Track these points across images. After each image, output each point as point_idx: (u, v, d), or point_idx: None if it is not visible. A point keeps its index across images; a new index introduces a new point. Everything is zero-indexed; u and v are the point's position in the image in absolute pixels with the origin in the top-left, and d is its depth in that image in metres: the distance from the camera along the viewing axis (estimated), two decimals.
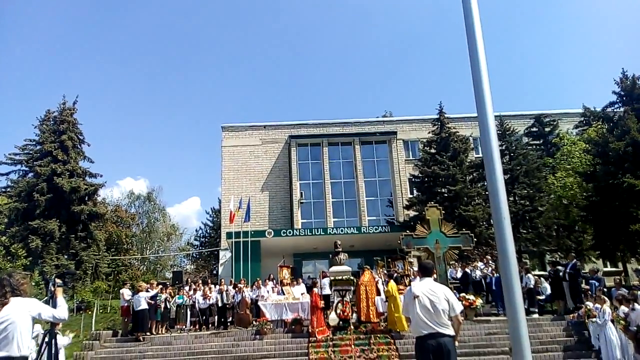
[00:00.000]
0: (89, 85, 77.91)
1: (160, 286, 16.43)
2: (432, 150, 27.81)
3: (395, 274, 17.91)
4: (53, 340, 4.48)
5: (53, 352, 4.43)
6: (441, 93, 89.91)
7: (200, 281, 18.87)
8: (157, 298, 15.40)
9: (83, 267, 26.42)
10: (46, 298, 4.42)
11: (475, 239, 21.50)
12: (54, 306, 4.19)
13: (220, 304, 16.35)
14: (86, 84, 77.33)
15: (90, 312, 19.20)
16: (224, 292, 16.42)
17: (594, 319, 11.70)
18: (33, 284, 18.85)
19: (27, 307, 3.90)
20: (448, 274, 16.24)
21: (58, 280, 4.46)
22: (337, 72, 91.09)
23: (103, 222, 32.20)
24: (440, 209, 16.08)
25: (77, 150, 29.58)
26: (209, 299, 16.27)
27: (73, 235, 26.82)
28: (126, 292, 15.40)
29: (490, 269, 17.85)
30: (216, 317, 16.46)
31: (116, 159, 78.00)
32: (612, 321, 11.14)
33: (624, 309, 10.95)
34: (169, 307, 16.06)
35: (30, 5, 77.46)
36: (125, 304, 15.21)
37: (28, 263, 22.86)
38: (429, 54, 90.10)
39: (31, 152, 29.31)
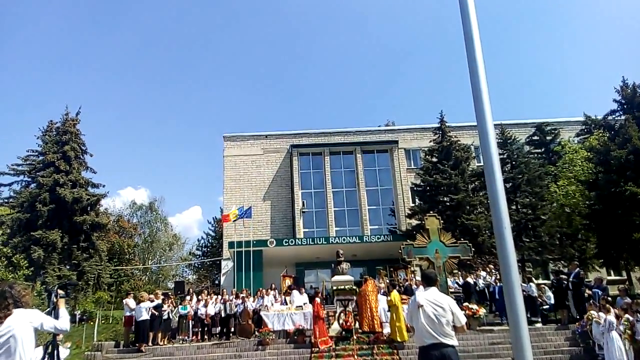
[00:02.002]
0: (89, 94, 78.46)
1: (163, 296, 16.43)
2: (434, 159, 27.80)
3: (407, 283, 17.89)
4: (55, 352, 4.46)
5: None
6: (442, 102, 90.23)
7: (205, 291, 18.83)
8: (161, 309, 15.38)
9: (85, 278, 26.38)
10: (48, 309, 4.41)
11: (478, 248, 21.49)
12: (56, 317, 4.18)
13: (223, 314, 16.30)
14: (86, 94, 77.89)
15: (92, 323, 19.14)
16: (227, 303, 16.38)
17: (597, 320, 11.67)
18: (35, 294, 18.84)
19: (29, 318, 3.89)
20: (450, 283, 16.19)
21: (60, 291, 4.46)
22: (339, 81, 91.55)
23: (105, 232, 32.20)
24: (439, 219, 16.07)
25: (80, 160, 29.67)
26: (207, 315, 16.17)
27: (75, 246, 26.82)
28: (130, 302, 15.37)
29: (493, 277, 17.77)
30: (218, 328, 16.40)
31: (116, 169, 78.37)
32: (616, 330, 11.09)
33: (628, 317, 10.91)
34: (170, 317, 16.01)
35: (31, 15, 78.23)
36: (129, 314, 15.16)
37: (30, 273, 22.85)
38: (430, 63, 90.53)
39: (34, 162, 29.42)
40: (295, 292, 17.27)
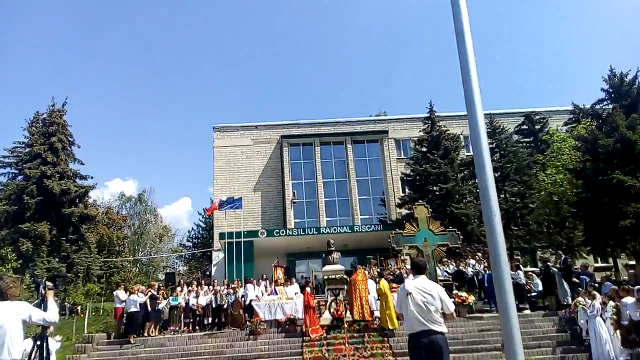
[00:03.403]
0: (76, 84, 77.36)
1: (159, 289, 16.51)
2: (424, 149, 27.91)
3: (398, 272, 17.98)
4: (44, 344, 4.44)
5: (44, 355, 4.40)
6: (432, 92, 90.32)
7: (195, 282, 18.80)
8: (156, 300, 15.46)
9: (74, 270, 26.21)
10: (37, 301, 4.38)
11: (467, 237, 21.65)
12: (45, 309, 4.16)
13: (214, 305, 16.30)
14: (73, 84, 76.82)
15: (82, 315, 19.05)
16: (218, 293, 16.38)
17: (584, 307, 11.89)
18: (24, 287, 18.69)
19: (17, 310, 3.87)
20: (439, 272, 16.32)
21: (49, 283, 4.43)
22: (329, 72, 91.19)
23: (94, 224, 31.93)
24: (428, 207, 16.13)
25: (67, 152, 29.30)
26: (199, 305, 16.15)
27: (64, 238, 26.58)
28: (121, 294, 15.31)
29: (482, 265, 17.94)
30: (210, 318, 16.41)
31: (104, 160, 77.41)
32: (602, 316, 11.31)
33: (612, 303, 11.12)
34: (161, 308, 15.99)
35: (19, 5, 76.71)
36: (119, 305, 15.13)
37: (19, 266, 22.63)
38: (420, 53, 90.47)
39: (20, 154, 28.99)
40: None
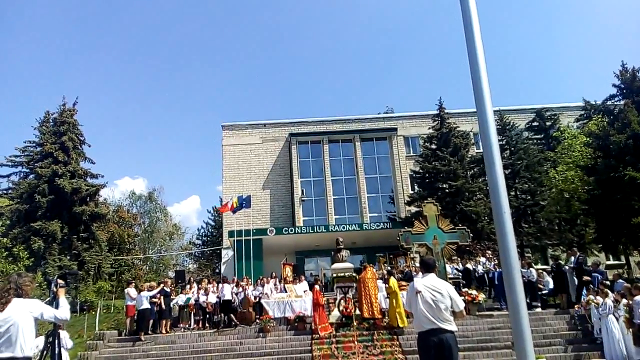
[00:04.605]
0: (85, 83, 77.95)
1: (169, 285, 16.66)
2: (433, 146, 27.79)
3: (408, 270, 17.93)
4: (56, 341, 4.48)
5: (56, 352, 4.44)
6: (441, 88, 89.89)
7: (205, 280, 18.88)
8: (170, 296, 15.61)
9: (86, 268, 26.43)
10: (49, 299, 4.43)
11: (477, 234, 21.53)
12: (57, 307, 4.20)
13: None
14: (82, 83, 77.42)
15: (93, 312, 19.24)
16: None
17: (596, 305, 11.78)
18: (36, 285, 18.89)
19: (28, 307, 3.92)
20: (449, 270, 16.24)
21: (60, 281, 4.47)
22: (337, 69, 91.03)
23: (105, 222, 32.21)
24: (437, 205, 16.06)
25: (78, 151, 29.54)
26: (208, 303, 16.21)
27: (75, 236, 26.83)
28: (131, 291, 15.41)
29: (492, 263, 17.84)
30: (220, 315, 16.47)
31: (113, 159, 78.00)
32: (614, 314, 11.19)
33: (624, 302, 11.00)
34: (171, 306, 16.08)
35: (28, 4, 77.41)
36: (130, 303, 15.23)
37: (30, 264, 22.87)
38: (429, 50, 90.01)
39: (32, 153, 29.31)
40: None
